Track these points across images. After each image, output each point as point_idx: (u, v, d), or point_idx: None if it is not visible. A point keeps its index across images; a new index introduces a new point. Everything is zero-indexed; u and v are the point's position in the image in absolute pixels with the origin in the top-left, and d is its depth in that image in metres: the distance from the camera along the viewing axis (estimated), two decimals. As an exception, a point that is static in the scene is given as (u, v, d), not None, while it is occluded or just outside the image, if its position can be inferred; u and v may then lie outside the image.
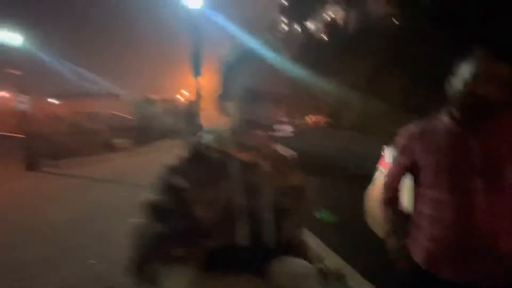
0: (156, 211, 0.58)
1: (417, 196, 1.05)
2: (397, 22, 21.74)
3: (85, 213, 3.90)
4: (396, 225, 1.15)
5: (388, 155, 2.40)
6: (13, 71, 7.21)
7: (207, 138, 0.66)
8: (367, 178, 2.56)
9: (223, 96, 0.63)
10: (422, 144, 1.00)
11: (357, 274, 2.15)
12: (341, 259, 2.35)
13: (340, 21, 34.08)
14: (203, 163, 0.62)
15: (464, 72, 0.88)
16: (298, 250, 0.72)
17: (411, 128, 1.07)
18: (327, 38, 32.65)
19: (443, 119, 0.99)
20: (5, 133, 10.28)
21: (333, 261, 2.30)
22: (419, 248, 1.02)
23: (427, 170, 0.98)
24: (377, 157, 2.53)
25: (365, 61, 21.71)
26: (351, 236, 2.90)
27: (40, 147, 8.58)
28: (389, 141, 2.74)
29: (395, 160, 1.15)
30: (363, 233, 2.53)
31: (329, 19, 35.22)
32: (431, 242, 0.98)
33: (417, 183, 1.05)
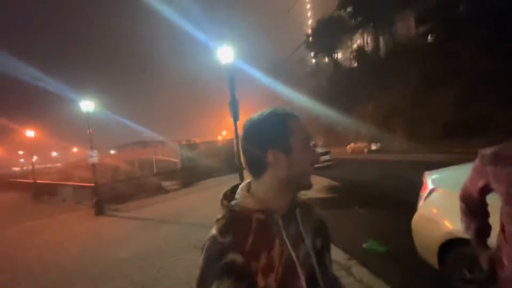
0: None
1: (503, 234, 0.98)
2: (429, 38, 21.21)
3: (148, 250, 4.36)
4: (470, 223, 1.10)
5: (429, 181, 2.43)
6: (89, 131, 8.64)
7: (241, 199, 0.65)
8: (412, 204, 2.57)
9: (281, 150, 0.62)
10: (495, 171, 0.92)
11: None
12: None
13: (368, 47, 34.25)
14: (248, 229, 0.60)
15: None
16: (340, 284, 0.77)
17: (486, 151, 0.98)
18: (357, 65, 32.78)
19: None
20: (79, 184, 11.91)
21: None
22: (500, 284, 0.96)
23: (502, 201, 0.91)
24: (420, 183, 2.54)
25: (402, 82, 21.05)
26: (401, 264, 2.81)
27: (105, 194, 9.79)
28: (431, 166, 2.75)
29: (469, 176, 1.08)
30: (413, 261, 2.48)
31: (355, 47, 35.64)
32: (510, 282, 0.91)
33: (501, 221, 0.98)
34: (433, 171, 2.51)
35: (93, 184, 9.03)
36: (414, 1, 21.88)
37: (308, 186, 0.65)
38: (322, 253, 0.69)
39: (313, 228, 0.70)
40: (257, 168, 0.64)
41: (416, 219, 2.41)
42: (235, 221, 0.61)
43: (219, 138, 26.33)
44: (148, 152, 18.75)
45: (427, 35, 21.74)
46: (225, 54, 6.30)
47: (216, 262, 0.55)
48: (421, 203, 2.42)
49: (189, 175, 13.99)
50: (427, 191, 2.37)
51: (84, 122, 8.77)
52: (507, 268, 0.91)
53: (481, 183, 0.99)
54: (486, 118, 14.05)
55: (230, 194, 0.68)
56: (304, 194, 4.13)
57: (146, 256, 4.09)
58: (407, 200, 2.68)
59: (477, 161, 1.01)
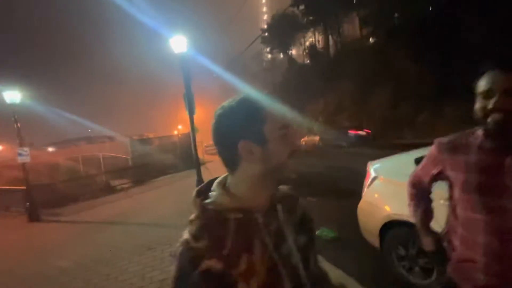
0: None
1: (451, 216, 1.02)
2: (370, 41, 23.32)
3: (93, 256, 3.98)
4: (417, 207, 1.15)
5: (372, 170, 2.67)
6: (17, 125, 7.48)
7: (216, 197, 0.59)
8: (357, 193, 2.81)
9: (254, 141, 0.55)
10: (452, 159, 0.95)
11: (356, 284, 2.30)
12: (341, 271, 2.50)
13: (319, 46, 36.08)
14: (225, 231, 0.54)
15: (486, 89, 0.85)
16: (326, 277, 0.74)
17: (443, 140, 1.01)
18: (309, 62, 34.36)
19: (478, 135, 0.92)
20: (7, 187, 10.27)
21: (335, 273, 2.44)
22: (451, 264, 1.00)
23: (457, 188, 0.93)
24: (362, 173, 2.79)
25: (348, 81, 22.82)
26: (349, 248, 3.07)
27: (40, 197, 8.65)
28: (375, 155, 3.03)
29: (421, 164, 1.11)
30: (359, 244, 2.73)
31: (308, 45, 37.29)
32: (461, 262, 0.94)
33: (450, 196, 1.01)
34: (375, 161, 2.76)
35: (24, 187, 7.88)
36: (358, 5, 23.76)
37: (286, 179, 0.61)
38: (306, 250, 0.65)
39: (296, 224, 0.66)
40: (231, 161, 0.58)
41: (360, 205, 2.64)
42: (210, 223, 0.55)
43: (175, 132, 25.18)
44: (94, 149, 17.05)
45: (369, 38, 23.77)
46: (178, 43, 6.01)
47: (191, 272, 0.50)
48: (365, 190, 2.65)
49: (141, 172, 13.13)
50: (370, 179, 2.61)
51: (8, 115, 7.53)
52: (459, 250, 0.95)
53: (434, 171, 1.02)
54: (412, 116, 16.27)
55: (204, 191, 0.62)
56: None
57: (90, 264, 3.73)
58: (353, 189, 2.91)
59: (433, 149, 1.03)
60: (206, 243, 0.52)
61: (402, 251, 2.27)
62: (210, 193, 0.61)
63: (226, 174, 0.63)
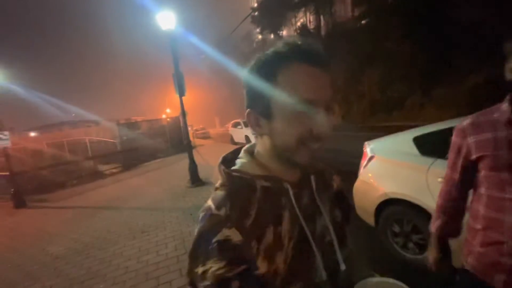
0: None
1: (473, 197, 0.96)
2: (362, 22, 22.99)
3: (86, 242, 3.91)
4: (440, 217, 1.07)
5: (368, 150, 2.66)
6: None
7: (242, 164, 0.55)
8: (351, 173, 2.82)
9: (261, 113, 0.50)
10: (478, 139, 0.89)
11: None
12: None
13: (311, 26, 35.34)
14: (251, 199, 0.50)
15: None
16: (356, 261, 0.69)
17: (464, 123, 0.94)
18: (300, 43, 33.73)
19: (503, 109, 0.86)
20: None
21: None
22: (471, 253, 0.93)
23: (486, 168, 0.87)
24: (355, 154, 2.78)
25: (340, 62, 22.63)
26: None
27: (26, 183, 8.39)
28: (366, 137, 3.02)
29: (450, 163, 1.01)
30: (356, 224, 2.76)
31: (299, 25, 36.47)
32: (485, 247, 0.88)
33: (474, 182, 0.95)
34: (371, 141, 2.75)
35: (7, 173, 7.59)
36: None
37: (301, 165, 0.52)
38: (341, 227, 0.61)
39: (331, 198, 0.62)
40: (251, 128, 0.54)
41: (357, 184, 2.65)
42: (235, 190, 0.51)
43: (163, 116, 24.64)
44: (80, 133, 16.55)
45: (361, 19, 23.38)
46: (166, 19, 5.68)
47: (209, 239, 0.46)
48: (361, 170, 2.66)
49: (130, 157, 12.89)
50: (366, 159, 2.61)
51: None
52: (481, 234, 0.89)
53: (463, 161, 0.95)
54: (403, 97, 16.44)
55: (231, 158, 0.58)
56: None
57: (83, 249, 3.67)
58: (347, 169, 2.91)
59: (454, 138, 0.97)
60: (227, 212, 0.48)
61: (396, 228, 2.32)
62: (237, 160, 0.56)
63: (255, 142, 0.58)
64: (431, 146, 2.12)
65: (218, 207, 0.49)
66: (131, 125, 15.62)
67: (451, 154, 1.00)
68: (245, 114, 0.53)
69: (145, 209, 5.13)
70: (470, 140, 0.91)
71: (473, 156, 0.90)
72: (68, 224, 5.13)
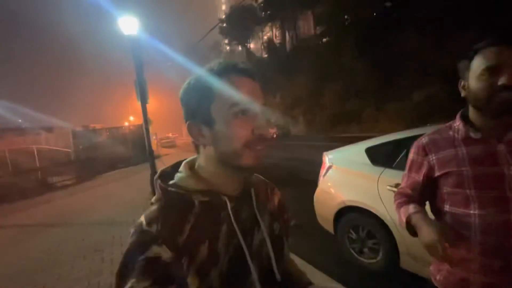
0: None
1: (435, 213, 0.94)
2: (324, 40, 24.61)
3: (26, 265, 3.45)
4: (404, 204, 0.98)
5: (327, 160, 2.80)
6: None
7: (181, 178, 0.54)
8: (313, 182, 2.93)
9: (202, 122, 0.51)
10: (439, 157, 0.87)
11: (318, 271, 2.39)
12: (299, 258, 2.59)
13: (276, 40, 36.74)
14: (186, 215, 0.49)
15: (492, 64, 0.75)
16: (296, 271, 0.70)
17: (423, 140, 0.93)
18: (267, 56, 34.80)
19: (458, 127, 0.86)
20: None
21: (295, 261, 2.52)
22: (440, 271, 0.91)
23: (449, 185, 0.85)
24: (318, 162, 2.91)
25: (303, 75, 23.78)
26: (308, 235, 3.21)
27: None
28: (328, 147, 3.19)
29: (405, 177, 1.00)
30: (316, 231, 2.86)
31: (266, 39, 37.73)
32: (454, 267, 0.85)
33: (434, 199, 0.93)
34: (330, 151, 2.90)
35: None
36: (313, 4, 24.77)
37: (249, 170, 0.52)
38: (279, 240, 0.61)
39: (271, 211, 0.62)
40: (194, 140, 0.55)
41: (317, 193, 2.76)
42: (169, 206, 0.50)
43: (126, 124, 23.35)
44: (27, 141, 14.89)
45: (323, 36, 25.00)
46: (128, 24, 5.49)
47: (137, 256, 0.44)
48: (321, 179, 2.78)
49: (86, 167, 11.90)
50: (325, 168, 2.74)
51: None
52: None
53: (421, 177, 0.93)
54: (359, 110, 17.86)
55: (170, 173, 0.57)
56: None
57: (23, 274, 3.21)
58: (308, 178, 3.01)
59: (413, 154, 0.95)
60: (159, 228, 0.47)
61: (353, 235, 2.44)
62: (176, 174, 0.56)
63: (195, 156, 0.58)
64: (381, 156, 2.31)
65: (149, 223, 0.48)
66: (89, 132, 14.53)
67: (409, 172, 0.98)
68: (186, 126, 0.53)
69: (100, 224, 4.74)
70: (432, 157, 0.89)
71: (436, 174, 0.88)
72: (7, 245, 4.52)
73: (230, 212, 0.52)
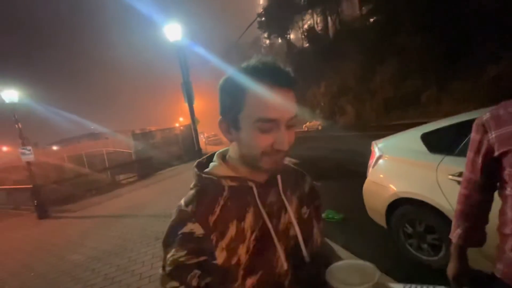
0: (180, 269, 0.50)
1: (501, 197, 0.86)
2: (371, 20, 22.66)
3: (104, 249, 4.04)
4: (459, 226, 0.95)
5: (376, 149, 2.61)
6: (18, 126, 7.49)
7: (213, 167, 0.61)
8: (361, 174, 2.76)
9: (230, 123, 0.56)
10: (500, 134, 0.79)
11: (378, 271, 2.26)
12: (350, 253, 2.48)
13: (318, 27, 35.19)
14: (217, 198, 0.55)
15: None
16: (329, 254, 0.72)
17: (483, 118, 0.85)
18: (308, 45, 33.64)
19: None
20: (15, 186, 10.43)
21: (344, 256, 2.42)
22: (502, 260, 0.85)
23: (509, 166, 0.78)
24: (366, 154, 2.73)
25: (350, 61, 22.32)
26: (357, 229, 3.06)
27: (48, 195, 8.76)
28: (380, 136, 2.97)
29: (468, 164, 0.92)
30: (366, 225, 2.70)
31: (306, 27, 36.37)
32: None
33: (499, 182, 0.85)
34: (379, 140, 2.70)
35: (31, 186, 7.98)
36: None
37: (268, 171, 0.56)
38: (308, 224, 0.65)
39: (300, 197, 0.67)
40: (224, 133, 0.60)
41: (366, 185, 2.60)
42: (203, 190, 0.58)
43: (177, 125, 25.22)
44: (98, 145, 17.16)
45: (370, 16, 23.06)
46: (173, 31, 5.85)
47: (176, 231, 0.53)
48: (370, 170, 2.60)
49: (145, 166, 13.20)
50: (375, 159, 2.56)
51: (8, 116, 7.53)
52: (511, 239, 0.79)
53: (481, 160, 0.86)
54: (418, 93, 15.87)
55: (205, 163, 0.65)
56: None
57: (101, 257, 3.79)
58: (357, 170, 2.86)
59: (474, 134, 0.88)
60: (193, 208, 0.54)
61: (409, 229, 2.25)
62: (210, 164, 0.63)
63: (228, 147, 0.64)
64: (439, 142, 2.06)
65: (186, 204, 0.56)
66: (146, 134, 16.03)
67: (469, 153, 0.90)
68: (218, 121, 0.58)
69: (159, 216, 5.23)
70: (492, 135, 0.81)
71: (496, 153, 0.80)
72: (88, 233, 5.32)
73: (256, 196, 0.58)
